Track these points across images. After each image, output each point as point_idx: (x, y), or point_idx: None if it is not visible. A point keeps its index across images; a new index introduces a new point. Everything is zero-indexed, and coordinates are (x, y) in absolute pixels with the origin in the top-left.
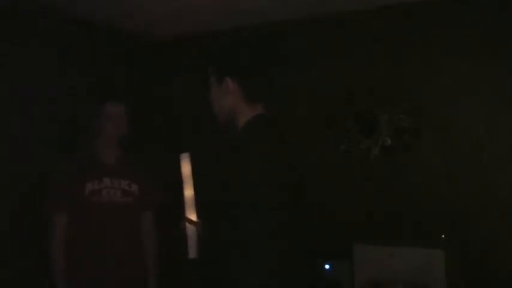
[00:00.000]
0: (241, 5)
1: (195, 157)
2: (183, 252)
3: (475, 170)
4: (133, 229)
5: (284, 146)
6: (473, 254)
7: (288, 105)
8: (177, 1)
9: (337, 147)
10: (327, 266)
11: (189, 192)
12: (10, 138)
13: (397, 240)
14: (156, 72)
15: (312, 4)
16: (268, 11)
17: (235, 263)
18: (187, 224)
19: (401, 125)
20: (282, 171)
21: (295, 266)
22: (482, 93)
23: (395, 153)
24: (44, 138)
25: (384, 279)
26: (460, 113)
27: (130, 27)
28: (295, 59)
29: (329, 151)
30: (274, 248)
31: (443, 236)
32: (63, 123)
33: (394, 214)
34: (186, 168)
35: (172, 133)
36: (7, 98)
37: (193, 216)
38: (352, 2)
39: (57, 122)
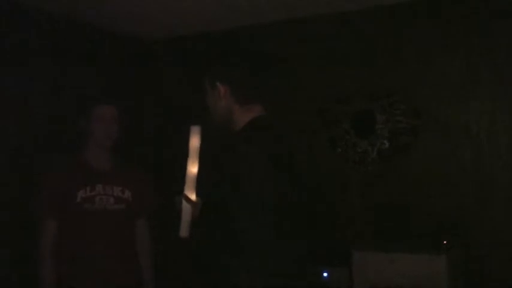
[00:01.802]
0: (235, 5)
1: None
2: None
3: (476, 170)
4: (127, 237)
5: (281, 149)
6: (475, 257)
7: (281, 106)
8: (169, 3)
9: (333, 150)
10: (324, 274)
11: (192, 168)
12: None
13: (398, 245)
14: (149, 74)
15: (306, 5)
16: (261, 12)
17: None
18: (184, 201)
19: (398, 126)
20: (280, 177)
21: (294, 272)
22: (481, 92)
23: (394, 156)
24: (33, 141)
25: (385, 287)
26: (458, 112)
27: (123, 28)
28: (288, 59)
29: (324, 154)
30: (272, 258)
31: (445, 241)
32: (53, 126)
33: (394, 219)
34: (194, 141)
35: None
36: None
37: (192, 195)
38: (349, 2)
39: (46, 125)
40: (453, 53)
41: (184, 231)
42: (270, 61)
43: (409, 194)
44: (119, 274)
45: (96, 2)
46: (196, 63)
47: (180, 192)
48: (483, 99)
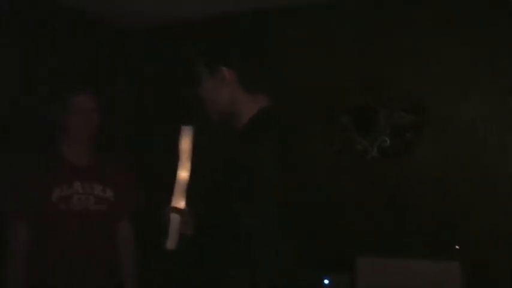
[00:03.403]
0: None
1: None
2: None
3: (482, 170)
4: (109, 241)
5: (292, 144)
6: (488, 262)
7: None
8: None
9: (331, 146)
10: (326, 281)
11: (183, 173)
12: None
13: (405, 250)
14: (132, 62)
15: None
16: None
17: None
18: (172, 211)
19: (401, 122)
20: (290, 175)
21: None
22: (486, 87)
23: (396, 154)
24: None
25: None
26: (463, 108)
27: (104, 12)
28: (285, 49)
29: (322, 150)
30: (277, 254)
31: (457, 246)
32: (24, 120)
33: (396, 221)
34: (185, 143)
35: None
36: None
37: (181, 203)
38: None
39: (17, 118)
40: (458, 47)
41: (171, 243)
42: (269, 48)
43: (412, 194)
44: (98, 282)
45: None
46: (194, 48)
47: (167, 201)
48: (489, 95)
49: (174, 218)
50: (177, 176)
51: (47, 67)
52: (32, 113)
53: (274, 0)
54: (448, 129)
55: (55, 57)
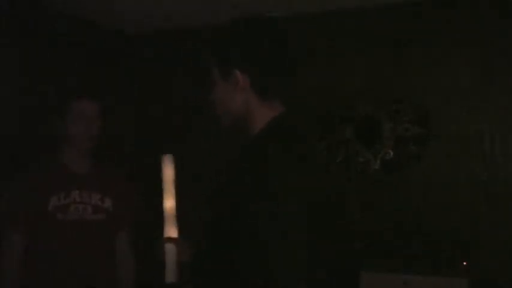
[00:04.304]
0: None
1: (179, 160)
2: (160, 276)
3: (489, 183)
4: (106, 252)
5: (306, 153)
6: (496, 280)
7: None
8: None
9: (333, 158)
10: None
11: (169, 202)
12: None
13: (411, 266)
14: (133, 63)
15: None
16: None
17: None
18: (165, 242)
19: (406, 134)
20: (308, 189)
21: None
22: (494, 98)
23: (399, 167)
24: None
25: None
26: (471, 120)
27: (104, 14)
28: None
29: (323, 162)
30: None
31: (464, 263)
32: (23, 124)
33: (400, 236)
34: (168, 172)
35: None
36: None
37: (173, 233)
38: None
39: (17, 122)
40: (465, 57)
41: (170, 276)
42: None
43: (416, 208)
44: None
45: None
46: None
47: (159, 234)
48: (497, 106)
49: (169, 248)
50: (164, 206)
51: (47, 69)
52: (31, 117)
53: (291, 4)
54: (455, 141)
55: (54, 60)
